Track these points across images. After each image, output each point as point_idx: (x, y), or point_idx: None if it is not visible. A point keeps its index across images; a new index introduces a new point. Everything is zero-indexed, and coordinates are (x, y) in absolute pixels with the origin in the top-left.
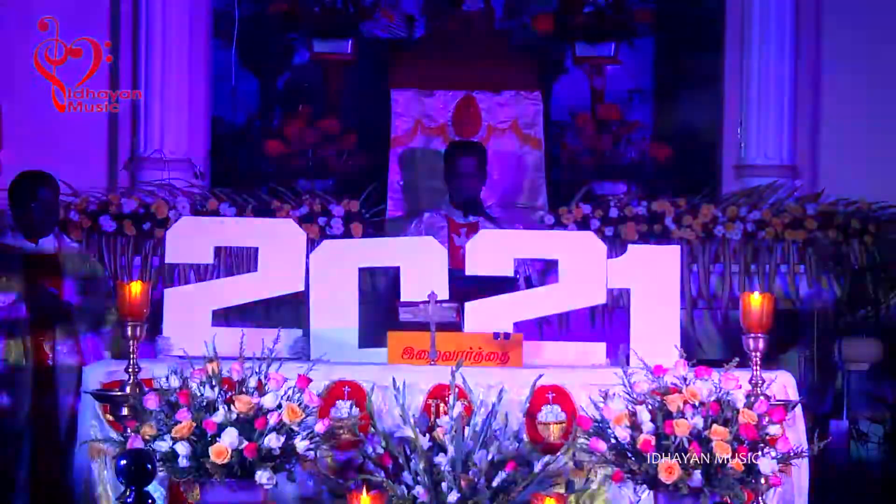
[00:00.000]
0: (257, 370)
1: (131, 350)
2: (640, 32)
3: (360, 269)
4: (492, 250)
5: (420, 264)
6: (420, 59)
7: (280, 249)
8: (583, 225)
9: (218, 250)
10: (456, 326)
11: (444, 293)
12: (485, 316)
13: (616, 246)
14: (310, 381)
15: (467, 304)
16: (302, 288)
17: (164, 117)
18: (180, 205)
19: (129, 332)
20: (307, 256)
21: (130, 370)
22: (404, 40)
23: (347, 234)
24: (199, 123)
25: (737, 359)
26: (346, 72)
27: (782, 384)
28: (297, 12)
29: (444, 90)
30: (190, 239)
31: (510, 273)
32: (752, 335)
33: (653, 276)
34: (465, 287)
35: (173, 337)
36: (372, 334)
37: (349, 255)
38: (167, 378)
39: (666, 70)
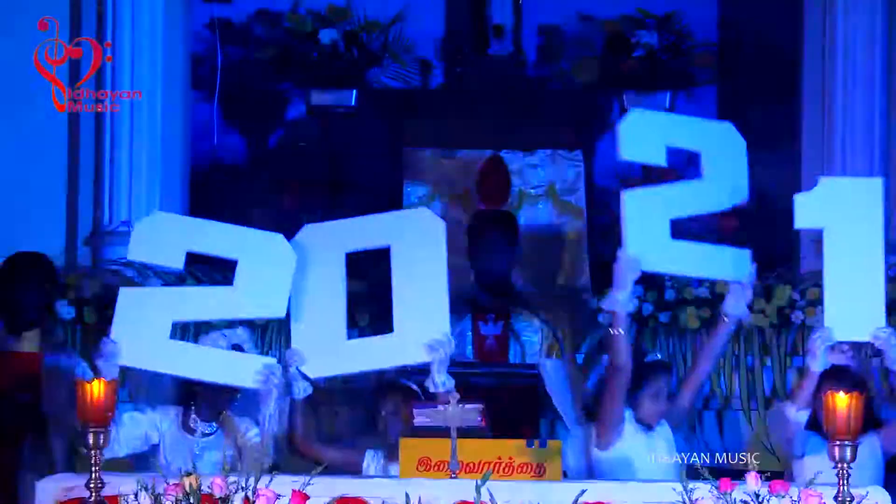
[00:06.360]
0: (243, 485)
1: (93, 461)
2: (699, 80)
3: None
4: (644, 134)
5: (413, 242)
6: (438, 112)
7: (263, 266)
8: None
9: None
10: (481, 432)
11: (441, 274)
12: (642, 209)
13: (673, 334)
14: (307, 497)
15: (626, 192)
16: (283, 315)
17: (134, 184)
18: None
19: (91, 441)
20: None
21: (92, 486)
22: (419, 90)
23: None
24: (175, 191)
25: (820, 472)
26: (350, 128)
27: (875, 503)
28: (291, 58)
29: (467, 149)
30: (160, 237)
31: (663, 162)
32: (838, 442)
33: (851, 214)
34: (489, 384)
35: (122, 343)
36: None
37: (335, 239)
38: (136, 495)
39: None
